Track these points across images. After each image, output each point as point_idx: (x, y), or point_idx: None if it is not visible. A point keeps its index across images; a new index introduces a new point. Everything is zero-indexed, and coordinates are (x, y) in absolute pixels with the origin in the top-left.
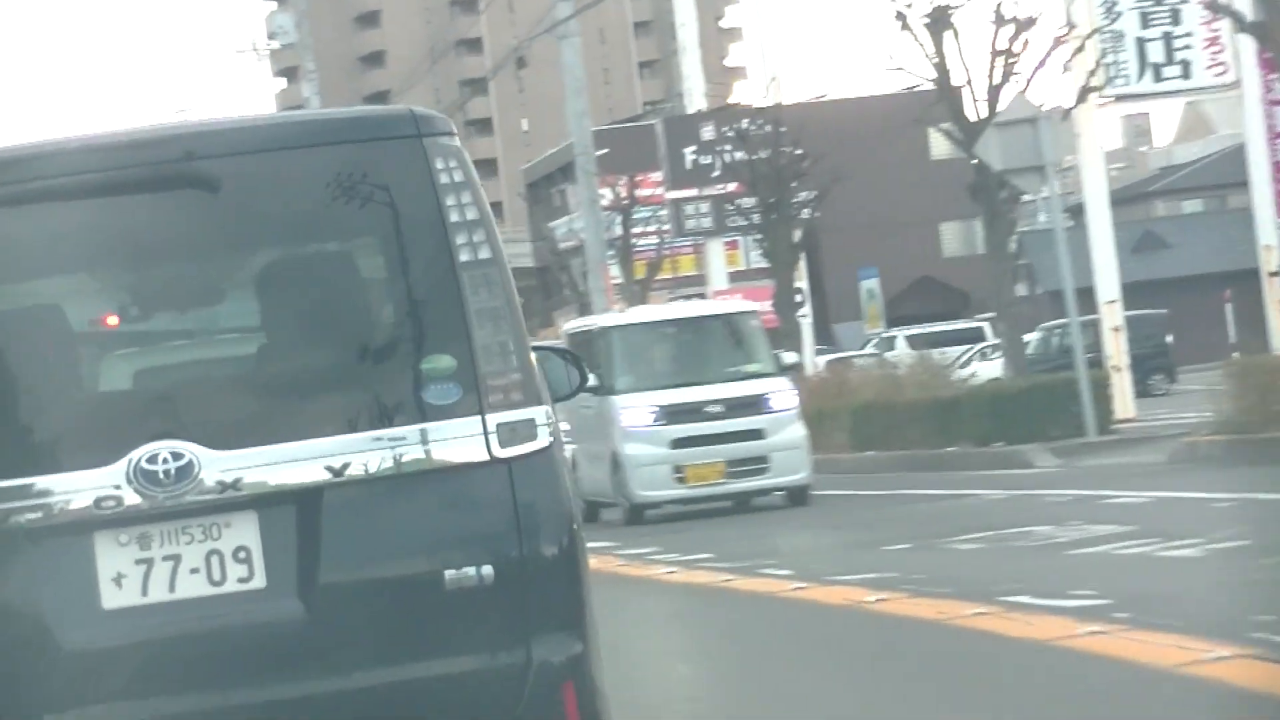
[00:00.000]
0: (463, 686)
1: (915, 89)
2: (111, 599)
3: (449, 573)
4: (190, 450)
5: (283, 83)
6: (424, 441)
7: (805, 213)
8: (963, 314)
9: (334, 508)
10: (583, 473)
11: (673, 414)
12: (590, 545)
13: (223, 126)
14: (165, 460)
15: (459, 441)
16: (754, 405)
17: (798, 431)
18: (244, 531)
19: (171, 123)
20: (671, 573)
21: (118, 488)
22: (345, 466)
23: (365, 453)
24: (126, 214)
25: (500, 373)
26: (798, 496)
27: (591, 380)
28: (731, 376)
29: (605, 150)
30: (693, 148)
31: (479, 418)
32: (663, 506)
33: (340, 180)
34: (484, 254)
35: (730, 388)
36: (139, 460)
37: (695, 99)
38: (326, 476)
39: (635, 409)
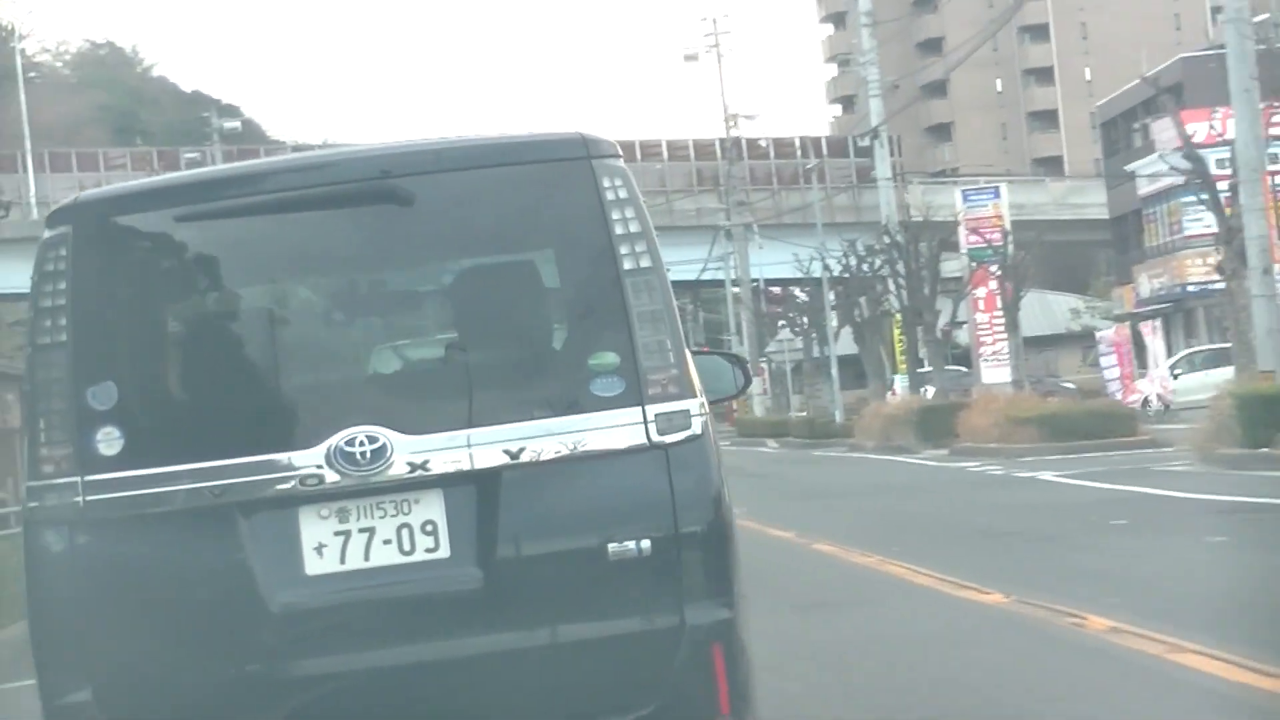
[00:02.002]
0: (622, 647)
1: None
2: (313, 566)
3: (611, 546)
4: (384, 435)
5: (832, 69)
6: (590, 429)
7: None
8: None
9: (510, 487)
10: None
11: None
12: None
13: (415, 148)
14: (362, 444)
15: (621, 429)
16: None
17: None
18: (431, 507)
19: (373, 145)
20: None
21: (320, 468)
22: (521, 450)
23: (538, 439)
24: (331, 226)
25: (659, 368)
26: None
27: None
28: None
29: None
30: None
31: (639, 408)
32: None
33: (518, 197)
34: (645, 263)
35: None
36: (339, 443)
37: None
38: (504, 459)
39: None
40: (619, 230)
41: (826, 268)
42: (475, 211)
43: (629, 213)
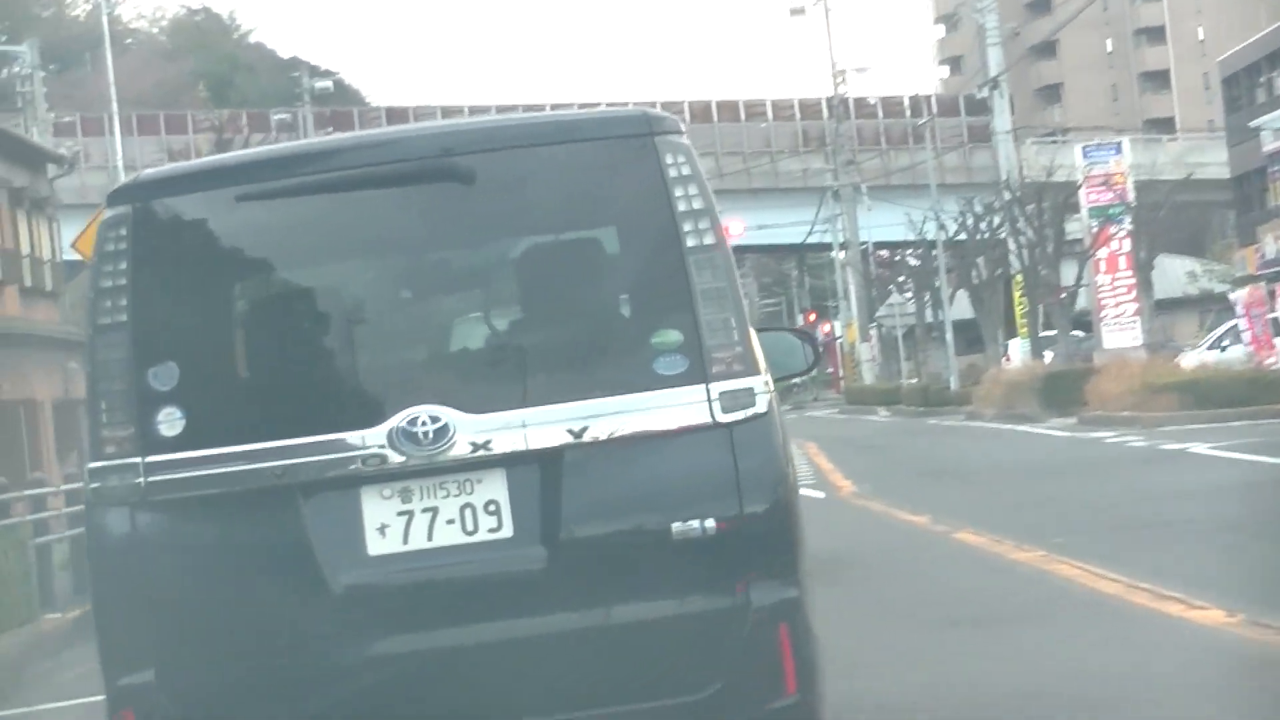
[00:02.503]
0: (686, 627)
1: None
2: (376, 547)
3: (675, 525)
4: (447, 415)
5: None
6: (653, 408)
7: None
8: None
9: (573, 466)
10: None
11: None
12: None
13: (477, 126)
14: (425, 423)
15: (685, 408)
16: None
17: None
18: (494, 487)
19: (436, 123)
20: None
21: (382, 448)
22: (584, 430)
23: (601, 418)
24: (392, 204)
25: (722, 346)
26: None
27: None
28: None
29: None
30: None
31: (703, 386)
32: None
33: (580, 174)
34: (708, 240)
35: None
36: (401, 423)
37: None
38: (567, 439)
39: None
40: (682, 207)
41: (942, 227)
42: (537, 189)
43: (692, 189)
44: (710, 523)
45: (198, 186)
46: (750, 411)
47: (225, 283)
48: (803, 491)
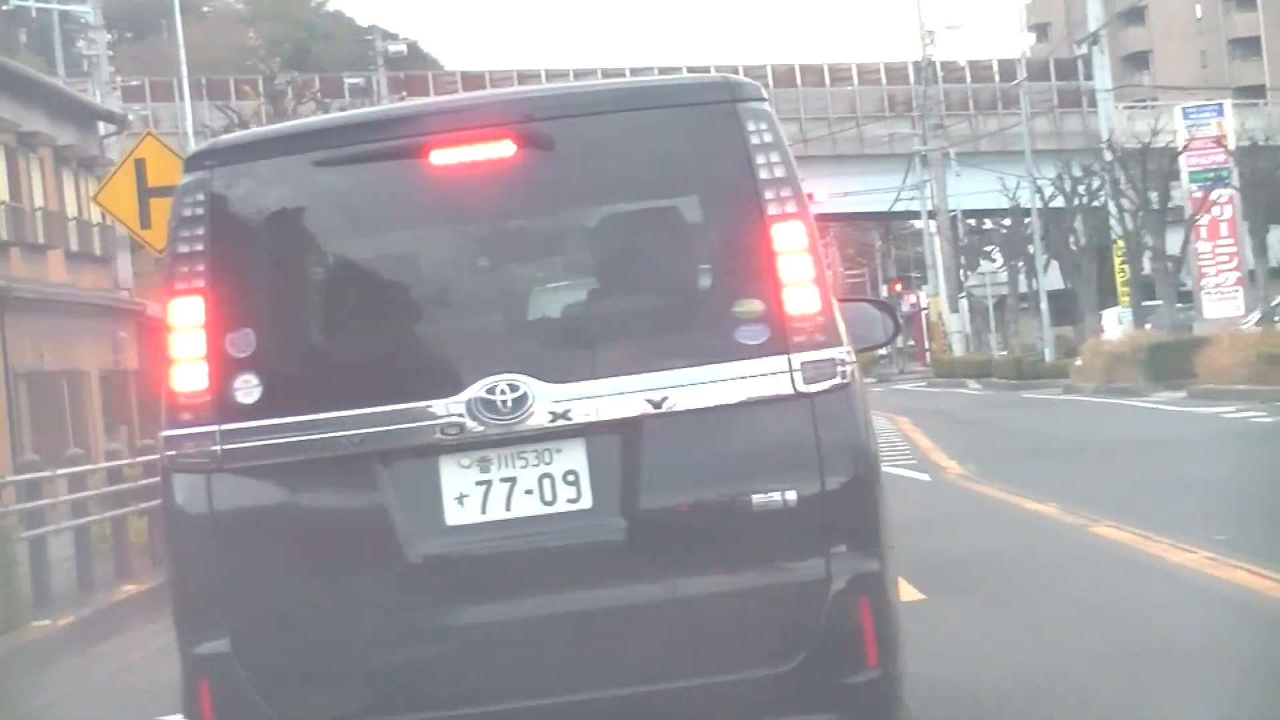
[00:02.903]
0: (767, 599)
1: None
2: (454, 516)
3: (756, 496)
4: (526, 384)
5: None
6: (735, 378)
7: None
8: None
9: (653, 436)
10: None
11: None
12: None
13: (557, 92)
14: (504, 392)
15: (766, 378)
16: None
17: None
18: (573, 457)
19: (515, 89)
20: None
21: (461, 416)
22: (664, 400)
23: (681, 387)
24: (471, 170)
25: (804, 315)
26: None
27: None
28: None
29: None
30: None
31: (785, 356)
32: None
33: (662, 140)
34: (790, 208)
35: None
36: (480, 392)
37: None
38: (647, 408)
39: None
40: (764, 175)
41: (1039, 191)
42: (617, 155)
43: (774, 157)
44: (791, 494)
45: (276, 151)
46: (832, 382)
47: (302, 249)
48: (904, 473)
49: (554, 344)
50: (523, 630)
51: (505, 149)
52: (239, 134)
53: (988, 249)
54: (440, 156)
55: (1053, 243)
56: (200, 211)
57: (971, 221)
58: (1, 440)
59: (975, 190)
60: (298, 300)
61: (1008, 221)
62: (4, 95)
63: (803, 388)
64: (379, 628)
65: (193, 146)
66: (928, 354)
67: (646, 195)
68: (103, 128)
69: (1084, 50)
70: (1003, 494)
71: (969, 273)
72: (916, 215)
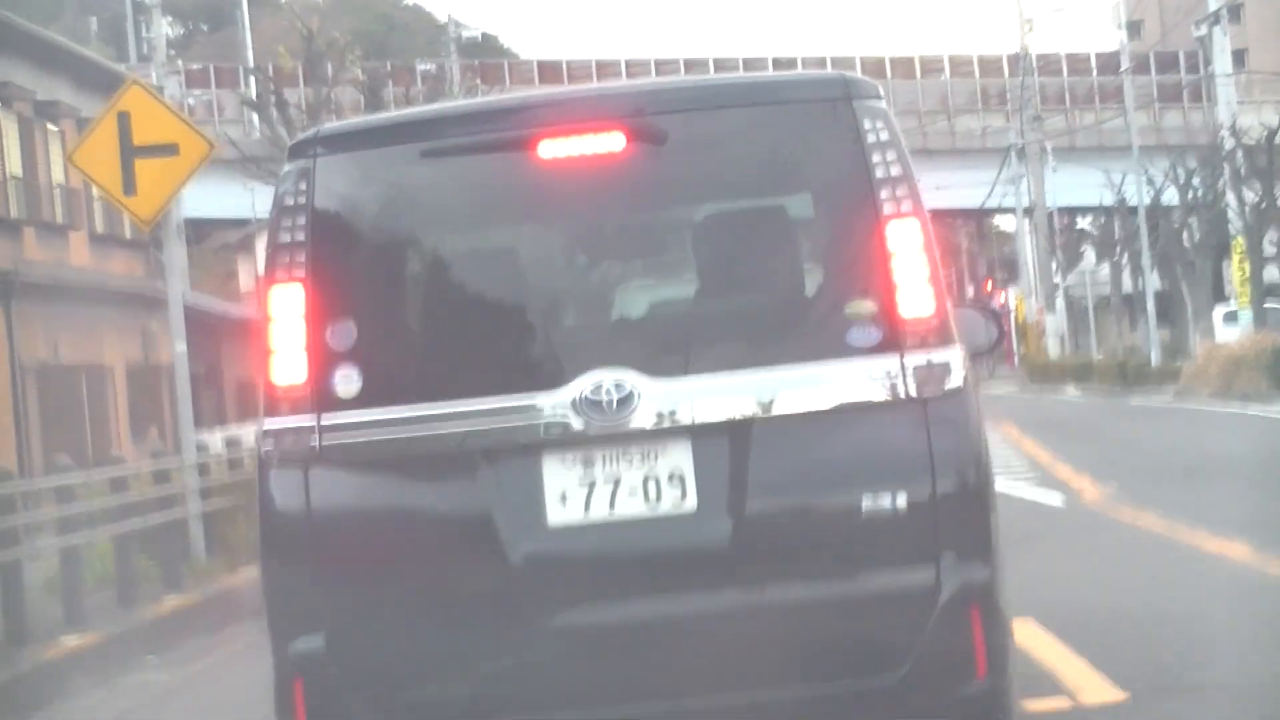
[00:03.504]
0: (874, 607)
1: None
2: (556, 516)
3: (865, 502)
4: (632, 381)
5: None
6: (846, 379)
7: None
8: None
9: (761, 438)
10: None
11: None
12: None
13: (669, 85)
14: (609, 390)
15: (878, 380)
16: None
17: None
18: (679, 457)
19: (625, 82)
20: None
21: (565, 413)
22: (773, 400)
23: (791, 388)
24: (580, 164)
25: (918, 318)
26: None
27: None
28: None
29: None
30: None
31: (898, 359)
32: None
33: (775, 137)
34: (906, 207)
35: None
36: (585, 389)
37: None
38: (755, 409)
39: None
40: (879, 174)
41: (1150, 184)
42: (729, 151)
43: (890, 155)
44: (902, 500)
45: (382, 141)
46: (946, 386)
47: (405, 240)
48: (1029, 493)
49: (661, 342)
50: (624, 635)
51: (616, 142)
52: (344, 122)
53: (1081, 249)
54: (550, 149)
55: (1159, 240)
56: (302, 200)
57: (1064, 220)
58: (6, 442)
59: (1071, 186)
60: (399, 292)
61: (1097, 220)
62: (19, 61)
63: (915, 392)
64: (476, 628)
65: (257, 133)
66: (1016, 356)
67: (758, 191)
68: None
69: (1203, 31)
70: (1166, 527)
71: (1065, 272)
72: (1009, 211)
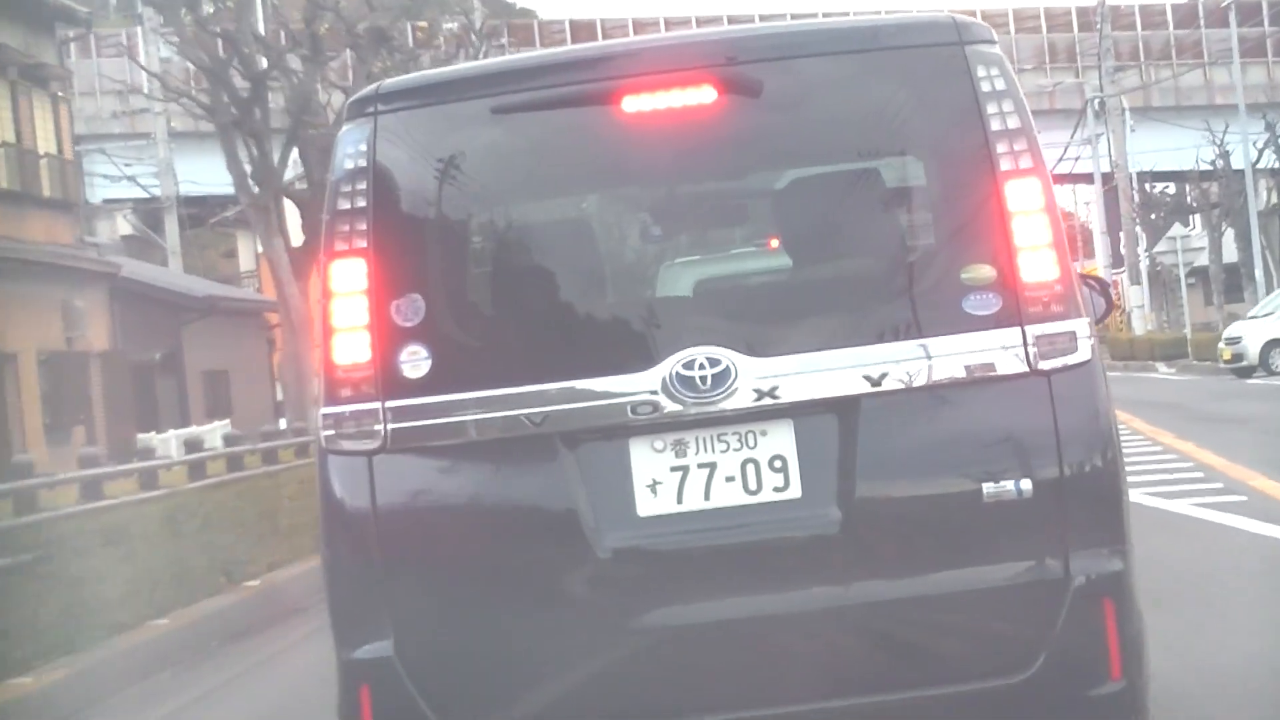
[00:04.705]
0: (997, 601)
1: None
2: (646, 506)
3: (987, 486)
4: (727, 357)
5: None
6: (962, 352)
7: None
8: None
9: (871, 417)
10: None
11: None
12: None
13: (763, 31)
14: (702, 367)
15: (998, 353)
16: None
17: None
18: (780, 440)
19: (713, 29)
20: None
21: (654, 394)
22: (883, 376)
23: (904, 363)
24: (669, 119)
25: (1041, 284)
26: None
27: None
28: None
29: None
30: None
31: (1019, 329)
32: None
33: (880, 87)
34: (1025, 163)
35: None
36: (676, 367)
37: None
38: (864, 386)
39: None
40: (995, 126)
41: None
42: (830, 103)
43: (1007, 105)
44: (1026, 484)
45: (450, 96)
46: (1072, 359)
47: (476, 206)
48: (1230, 519)
49: (759, 314)
50: (721, 635)
51: (706, 94)
52: (407, 77)
53: (1152, 216)
54: (633, 103)
55: (1225, 210)
56: (363, 163)
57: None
58: None
59: (1147, 149)
60: (471, 263)
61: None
62: None
63: (1039, 364)
64: (560, 630)
65: (275, 106)
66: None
67: (861, 148)
68: (62, 32)
69: None
70: None
71: (1151, 240)
72: (1084, 179)
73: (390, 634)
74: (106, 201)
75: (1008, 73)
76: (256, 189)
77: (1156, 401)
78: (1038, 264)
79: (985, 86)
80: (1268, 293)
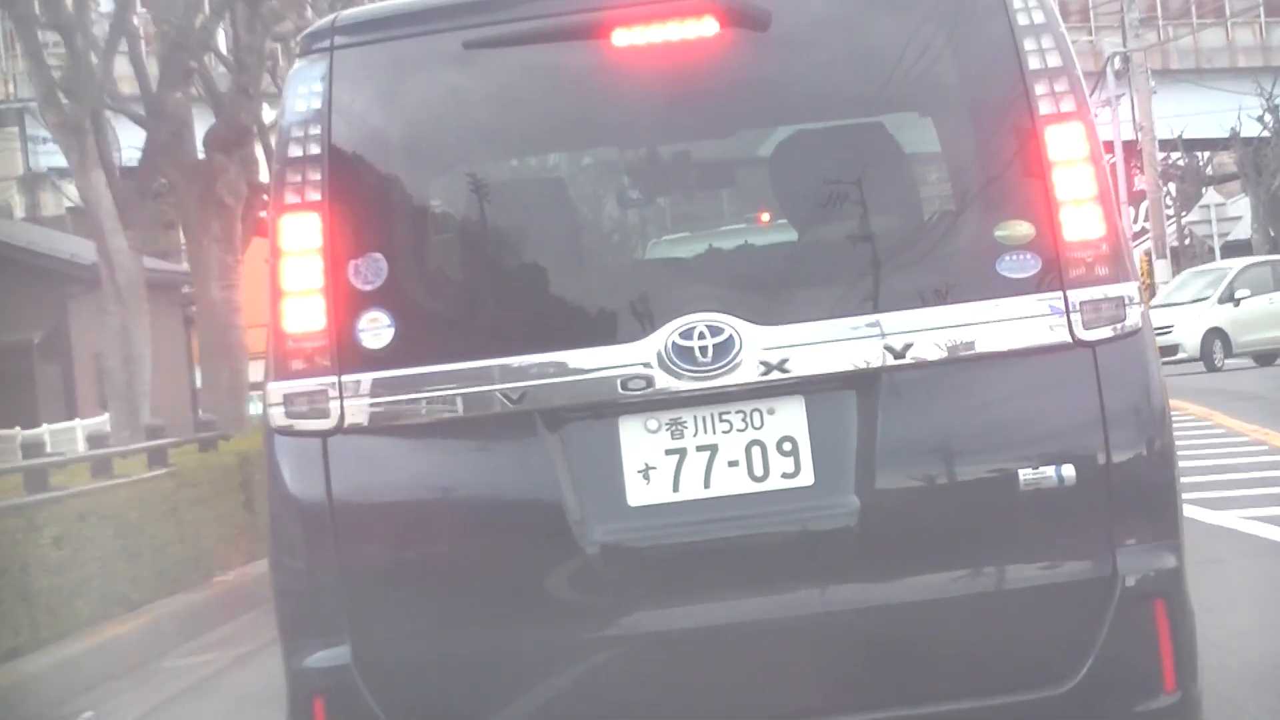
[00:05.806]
0: (1035, 604)
1: None
2: (638, 495)
3: (1024, 472)
4: (731, 325)
5: None
6: (996, 320)
7: None
8: None
9: (892, 394)
10: None
11: None
12: None
13: None
14: (702, 336)
15: (1036, 320)
16: None
17: None
18: (790, 420)
19: None
20: None
21: (647, 366)
22: (907, 347)
23: (929, 331)
24: (666, 56)
25: (1085, 242)
26: None
27: None
28: None
29: None
30: None
31: (1060, 294)
32: None
33: (905, 21)
34: (1067, 106)
35: None
36: (672, 336)
37: None
38: (885, 358)
39: None
40: (1034, 64)
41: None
42: (848, 40)
43: (1046, 41)
44: (1068, 470)
45: (416, 29)
46: (1120, 327)
47: (448, 156)
48: None
49: (764, 278)
50: (723, 642)
51: (709, 27)
52: (368, 7)
53: (1167, 185)
54: (624, 36)
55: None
56: (317, 105)
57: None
58: None
59: (1167, 115)
60: (440, 219)
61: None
62: None
63: (1082, 334)
64: (541, 635)
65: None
66: None
67: (884, 89)
68: None
69: None
70: None
71: (1179, 209)
72: (1107, 146)
73: (347, 639)
74: (51, 170)
75: (1047, 5)
76: (66, 101)
77: (1201, 385)
78: (1081, 220)
79: (1023, 20)
80: None
